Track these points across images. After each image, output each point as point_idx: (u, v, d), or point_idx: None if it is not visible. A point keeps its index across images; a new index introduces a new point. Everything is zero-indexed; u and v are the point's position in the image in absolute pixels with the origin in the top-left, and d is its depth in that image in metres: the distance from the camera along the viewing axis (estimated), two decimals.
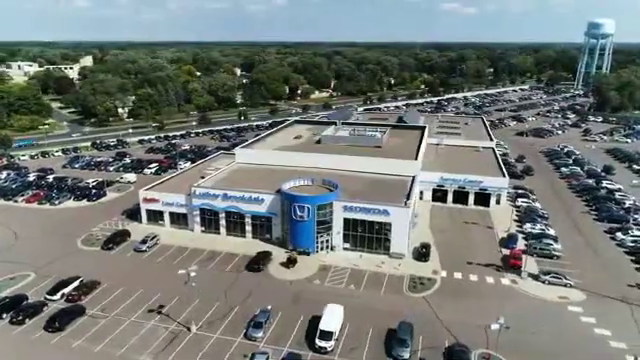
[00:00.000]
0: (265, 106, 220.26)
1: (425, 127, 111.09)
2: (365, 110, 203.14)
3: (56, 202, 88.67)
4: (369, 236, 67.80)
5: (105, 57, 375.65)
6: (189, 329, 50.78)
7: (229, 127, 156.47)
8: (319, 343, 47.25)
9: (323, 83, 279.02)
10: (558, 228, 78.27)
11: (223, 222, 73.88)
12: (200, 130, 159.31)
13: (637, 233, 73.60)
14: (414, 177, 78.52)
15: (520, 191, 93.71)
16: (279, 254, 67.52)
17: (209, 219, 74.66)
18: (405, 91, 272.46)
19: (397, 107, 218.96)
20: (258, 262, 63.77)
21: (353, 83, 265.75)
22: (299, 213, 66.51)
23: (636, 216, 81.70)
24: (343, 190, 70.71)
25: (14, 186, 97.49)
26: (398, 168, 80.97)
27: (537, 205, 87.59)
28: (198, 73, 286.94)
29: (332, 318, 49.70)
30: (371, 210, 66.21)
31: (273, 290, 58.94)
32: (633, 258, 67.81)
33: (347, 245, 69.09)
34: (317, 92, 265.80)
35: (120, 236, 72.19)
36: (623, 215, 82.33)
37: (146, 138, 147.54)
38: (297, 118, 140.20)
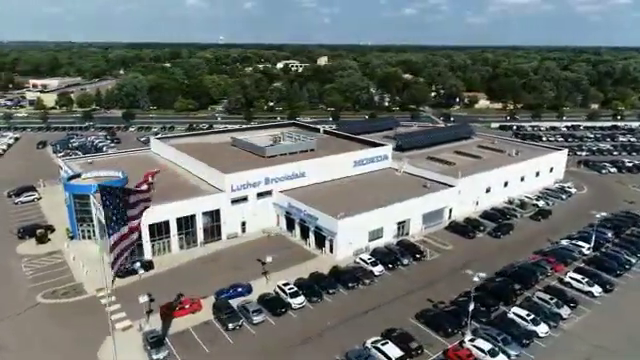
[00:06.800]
0: (405, 110, 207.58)
1: (383, 145, 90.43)
2: (499, 127, 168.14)
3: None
4: None
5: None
6: None
7: None
8: None
9: (506, 93, 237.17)
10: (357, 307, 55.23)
11: None
12: None
13: None
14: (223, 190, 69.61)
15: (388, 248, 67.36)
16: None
17: None
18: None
19: (548, 129, 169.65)
20: (22, 231, 71.89)
21: (534, 95, 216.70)
22: (65, 197, 70.78)
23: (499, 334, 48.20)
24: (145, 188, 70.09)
25: (76, 144, 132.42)
26: (213, 179, 72.61)
27: (377, 268, 61.67)
28: (407, 76, 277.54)
29: None
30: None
31: None
32: None
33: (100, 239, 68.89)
34: (487, 101, 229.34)
35: (24, 189, 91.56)
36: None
37: (230, 127, 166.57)
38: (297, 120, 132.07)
